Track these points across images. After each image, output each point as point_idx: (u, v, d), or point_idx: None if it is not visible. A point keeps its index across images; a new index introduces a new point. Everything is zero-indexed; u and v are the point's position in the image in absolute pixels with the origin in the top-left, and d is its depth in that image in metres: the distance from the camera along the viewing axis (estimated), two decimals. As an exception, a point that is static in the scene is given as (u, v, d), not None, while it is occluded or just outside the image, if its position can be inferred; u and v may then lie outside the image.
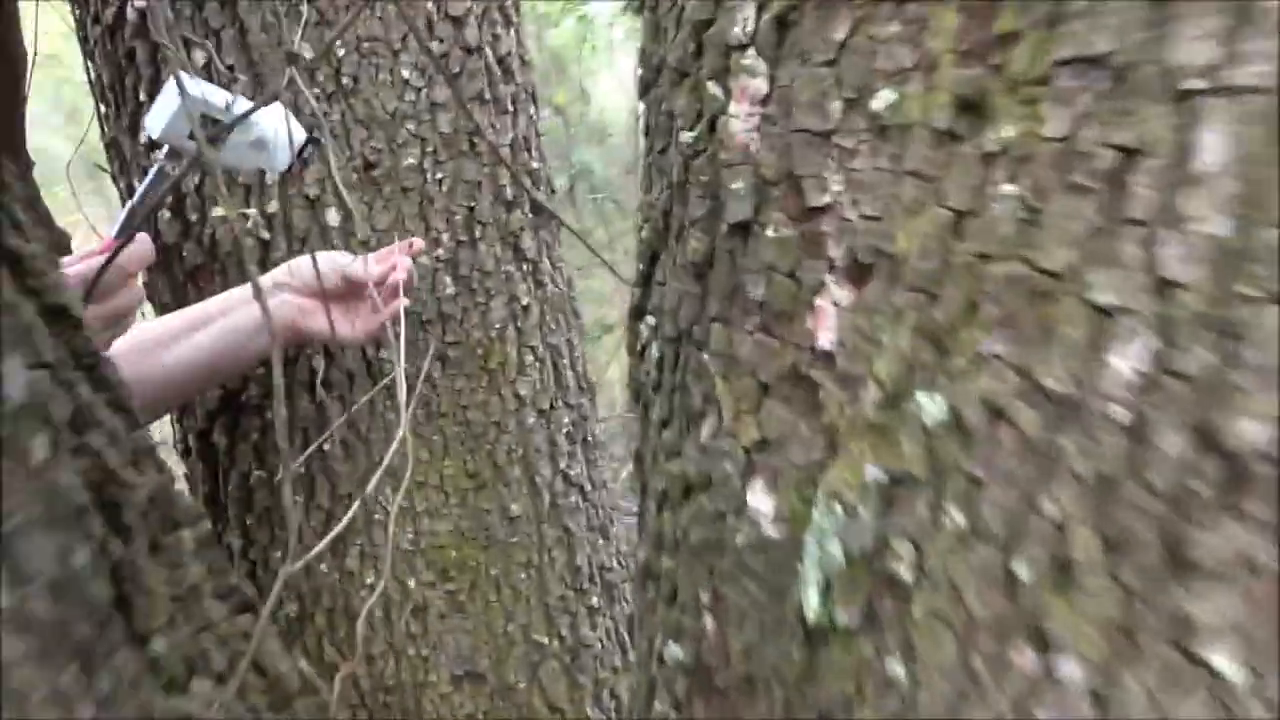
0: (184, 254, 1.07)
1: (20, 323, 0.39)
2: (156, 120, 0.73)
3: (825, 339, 0.38)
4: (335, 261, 0.98)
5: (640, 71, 0.50)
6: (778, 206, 0.38)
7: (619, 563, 1.27)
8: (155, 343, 0.93)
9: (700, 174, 0.42)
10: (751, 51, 0.39)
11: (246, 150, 0.80)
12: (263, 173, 1.04)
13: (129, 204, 0.80)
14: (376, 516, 1.10)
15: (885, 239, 0.34)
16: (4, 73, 0.90)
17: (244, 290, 0.97)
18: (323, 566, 1.10)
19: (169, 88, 0.75)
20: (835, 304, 0.37)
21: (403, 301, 1.02)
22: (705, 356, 0.45)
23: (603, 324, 4.17)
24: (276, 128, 0.78)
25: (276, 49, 1.03)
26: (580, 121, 4.52)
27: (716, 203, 0.42)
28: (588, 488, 1.22)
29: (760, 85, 0.39)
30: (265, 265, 1.05)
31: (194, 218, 1.06)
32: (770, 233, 0.39)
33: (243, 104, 0.75)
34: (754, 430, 0.42)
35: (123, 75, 1.03)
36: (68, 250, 1.10)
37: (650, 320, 0.53)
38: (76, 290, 0.54)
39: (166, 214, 1.07)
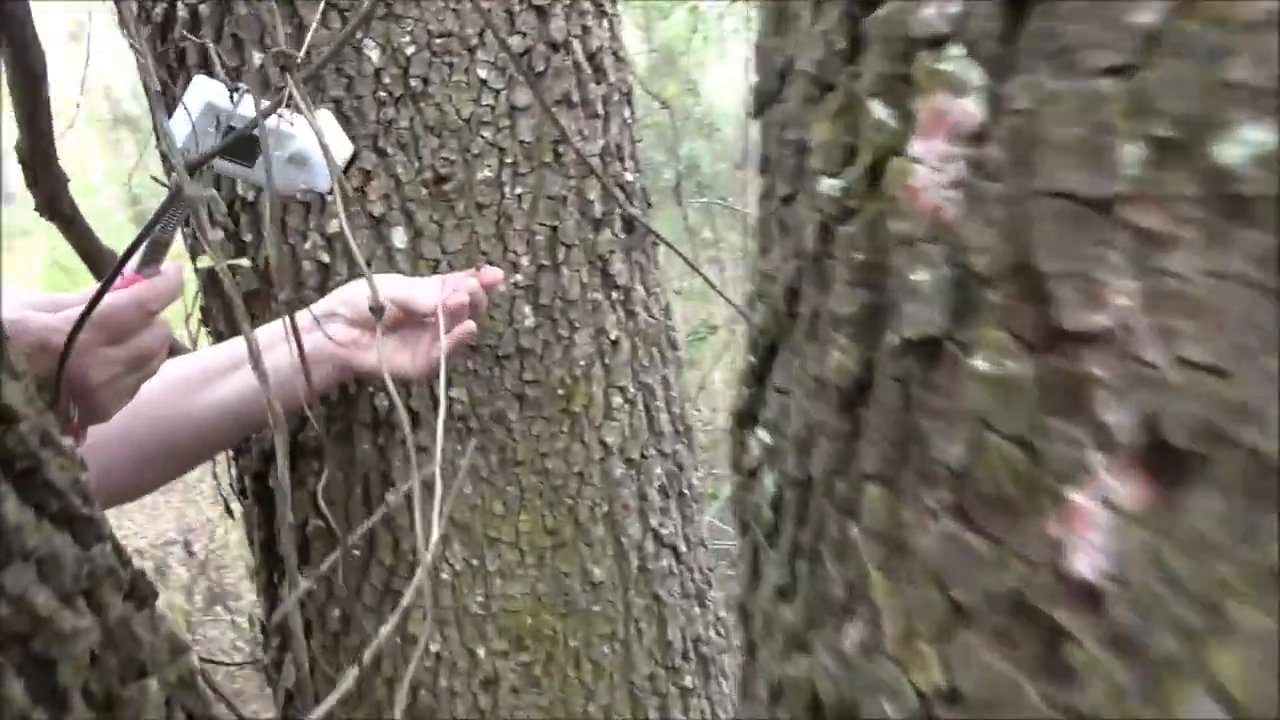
0: (238, 278, 0.96)
1: None
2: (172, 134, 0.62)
3: (1084, 563, 0.21)
4: (390, 287, 0.86)
5: (756, 78, 0.34)
6: (999, 321, 0.22)
7: (717, 632, 1.11)
8: (191, 382, 0.83)
9: (852, 248, 0.26)
10: (956, 49, 0.22)
11: (284, 166, 0.68)
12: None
13: (152, 232, 0.69)
14: (444, 575, 0.98)
15: (1237, 416, 0.18)
16: (23, 78, 0.81)
17: (303, 317, 0.86)
18: (383, 630, 0.97)
19: (186, 96, 0.64)
20: (1109, 506, 0.20)
21: (468, 328, 0.88)
22: (853, 530, 0.29)
23: (708, 324, 4.01)
24: (317, 140, 0.66)
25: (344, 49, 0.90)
26: (688, 115, 4.37)
27: (879, 297, 0.26)
28: (682, 548, 1.06)
29: (970, 110, 0.22)
30: (323, 291, 0.94)
31: (249, 238, 0.95)
32: (982, 364, 0.23)
33: (249, 108, 0.63)
34: (937, 671, 0.26)
35: (174, 78, 0.93)
36: (110, 263, 0.99)
37: (763, 435, 0.37)
38: (13, 374, 0.41)
39: (220, 235, 0.96)
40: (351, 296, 0.86)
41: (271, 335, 0.82)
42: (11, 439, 0.40)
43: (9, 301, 0.64)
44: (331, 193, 0.73)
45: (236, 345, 0.85)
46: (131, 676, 0.43)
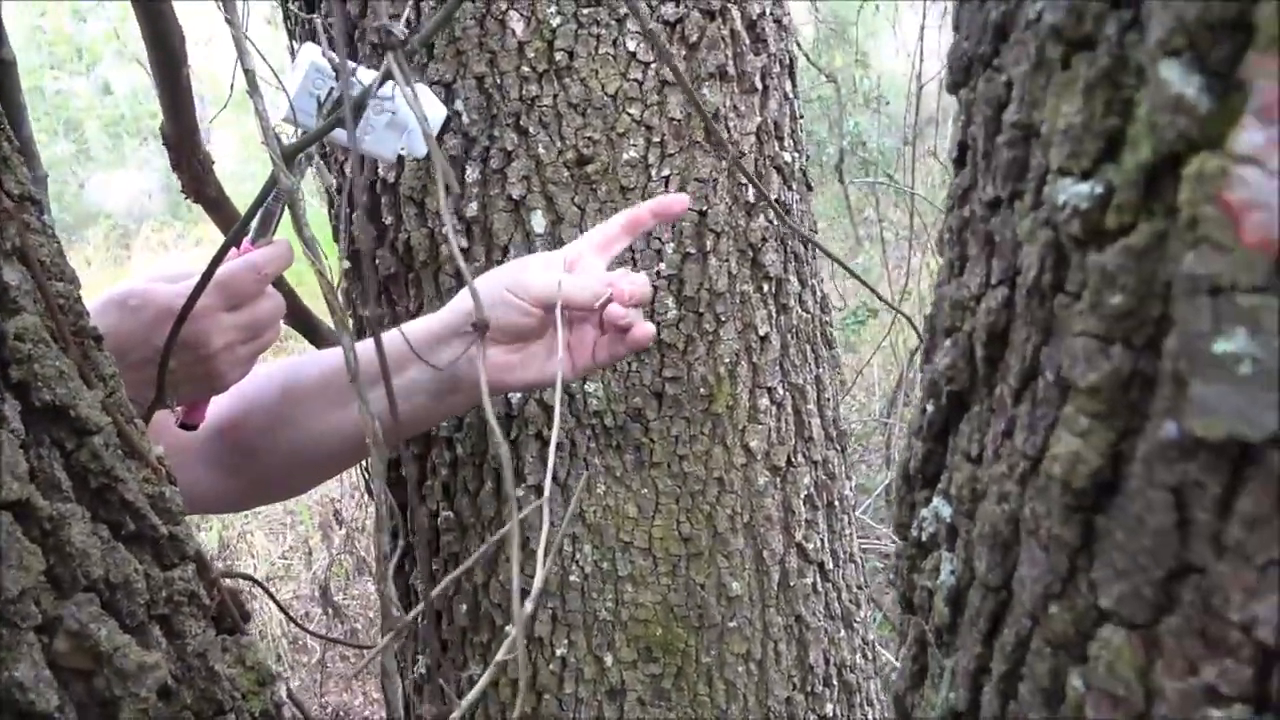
0: (377, 261, 0.94)
1: None
2: (284, 101, 0.59)
3: None
4: (528, 288, 0.72)
5: (957, 36, 0.26)
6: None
7: (865, 656, 1.02)
8: (320, 393, 0.75)
9: (1105, 286, 0.18)
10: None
11: (384, 132, 0.64)
12: (463, 171, 0.88)
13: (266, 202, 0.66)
14: (573, 578, 0.93)
15: None
16: (163, 60, 0.80)
17: (433, 329, 0.74)
18: (508, 629, 0.94)
19: (297, 62, 0.61)
20: None
21: (648, 331, 0.74)
22: (1075, 679, 0.20)
23: (868, 307, 3.85)
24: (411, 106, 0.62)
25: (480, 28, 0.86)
26: (855, 88, 4.18)
27: (1147, 364, 0.17)
28: (829, 564, 0.97)
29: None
30: (460, 278, 0.90)
31: (389, 221, 0.93)
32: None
33: (364, 77, 0.59)
34: None
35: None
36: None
37: (942, 508, 0.29)
38: (98, 377, 0.38)
39: (361, 217, 0.94)
40: (494, 308, 0.72)
41: (400, 355, 0.72)
42: (85, 454, 0.36)
43: (136, 275, 0.63)
44: (428, 156, 0.70)
45: (368, 354, 0.78)
46: (208, 714, 0.39)
